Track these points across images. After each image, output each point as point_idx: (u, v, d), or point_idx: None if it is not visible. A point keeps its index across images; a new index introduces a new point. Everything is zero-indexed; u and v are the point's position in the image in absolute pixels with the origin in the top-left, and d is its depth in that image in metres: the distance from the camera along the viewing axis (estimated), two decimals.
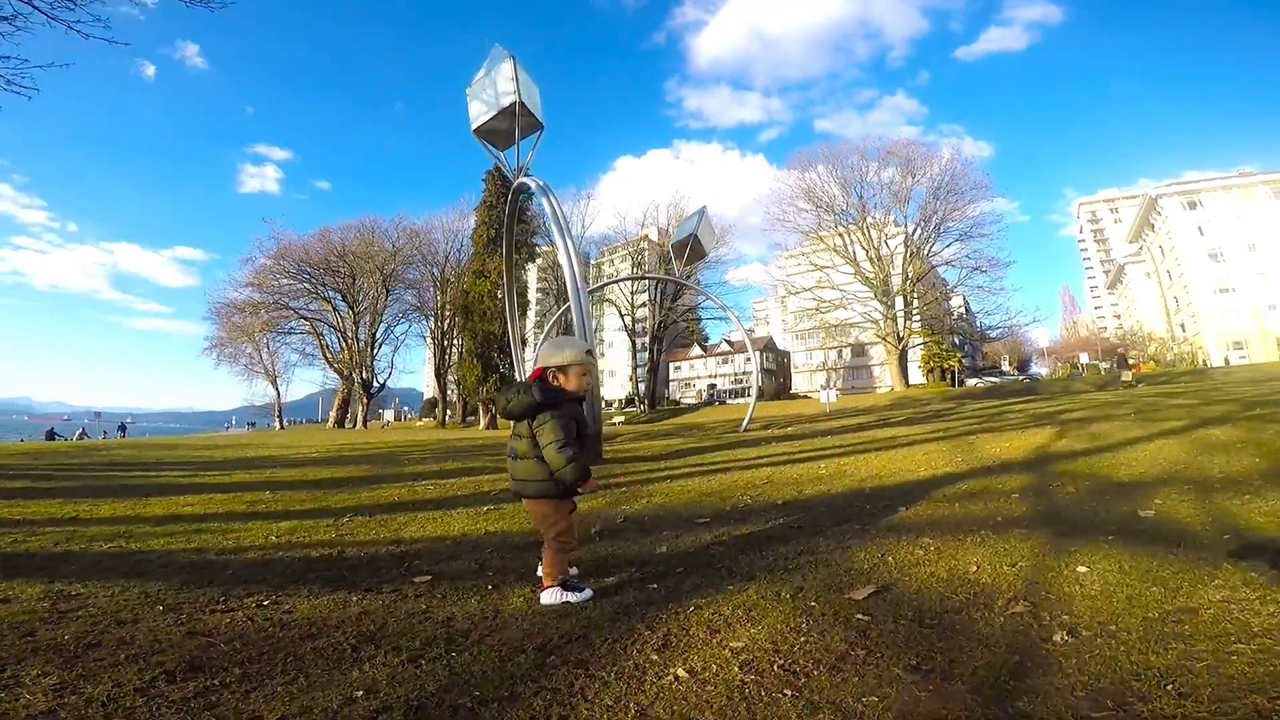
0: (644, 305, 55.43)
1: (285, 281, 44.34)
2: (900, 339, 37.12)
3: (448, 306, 46.86)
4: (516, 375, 19.10)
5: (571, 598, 2.47)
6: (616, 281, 44.49)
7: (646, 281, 51.26)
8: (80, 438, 37.82)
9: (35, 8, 7.92)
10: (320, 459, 12.09)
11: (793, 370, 70.09)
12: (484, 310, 38.87)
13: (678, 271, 18.59)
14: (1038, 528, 3.09)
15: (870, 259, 36.53)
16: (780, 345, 75.09)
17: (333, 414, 50.96)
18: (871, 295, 36.63)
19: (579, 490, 2.55)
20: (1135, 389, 18.18)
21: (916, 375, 47.38)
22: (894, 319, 37.07)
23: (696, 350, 75.26)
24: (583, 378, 2.58)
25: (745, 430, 16.61)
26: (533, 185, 10.87)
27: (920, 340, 43.11)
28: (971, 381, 47.61)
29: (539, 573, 2.66)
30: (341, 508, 5.44)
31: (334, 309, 47.02)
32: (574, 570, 2.76)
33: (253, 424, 68.91)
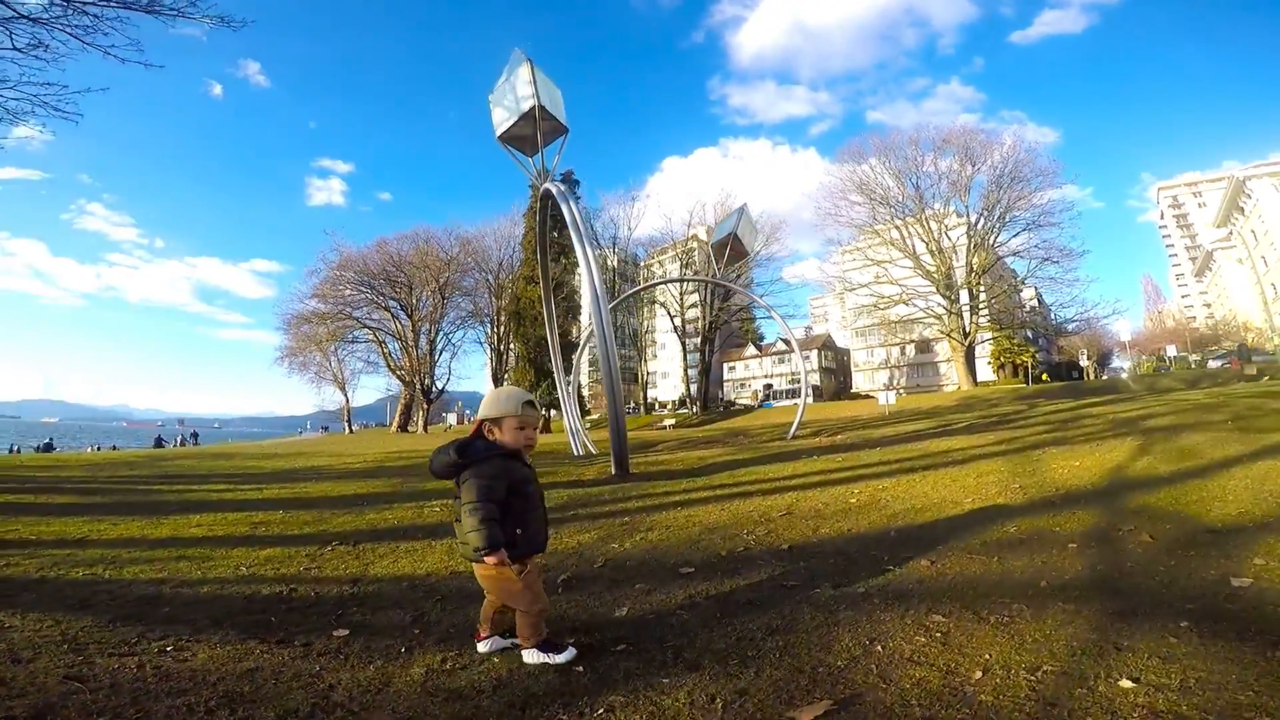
0: (694, 305, 54.65)
1: (348, 292, 46.43)
2: (966, 335, 34.76)
3: (502, 313, 47.78)
4: (558, 381, 18.99)
5: (551, 659, 2.21)
6: (653, 285, 43.96)
7: (696, 282, 50.49)
8: (158, 444, 41.01)
9: (71, 35, 8.33)
10: (359, 470, 12.25)
11: (853, 368, 67.50)
12: (535, 315, 39.31)
13: (719, 272, 17.93)
14: (1089, 601, 2.41)
15: (930, 251, 34.43)
16: (840, 343, 72.45)
17: (396, 419, 52.96)
18: (933, 289, 34.49)
19: (482, 560, 2.18)
20: (1259, 382, 16.09)
21: (985, 372, 44.42)
22: (959, 314, 34.75)
23: (751, 350, 73.75)
24: (519, 432, 2.30)
25: (792, 438, 15.83)
26: (553, 191, 10.60)
27: (989, 335, 40.30)
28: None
29: (482, 627, 2.45)
30: (336, 532, 5.27)
31: (394, 318, 48.86)
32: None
33: (326, 428, 72.61)
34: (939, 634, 2.19)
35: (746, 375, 74.41)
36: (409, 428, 51.68)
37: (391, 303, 47.94)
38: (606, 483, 8.01)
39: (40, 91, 9.06)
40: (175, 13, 8.77)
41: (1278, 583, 2.50)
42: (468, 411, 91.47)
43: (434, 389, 50.55)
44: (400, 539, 4.90)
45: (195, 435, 51.08)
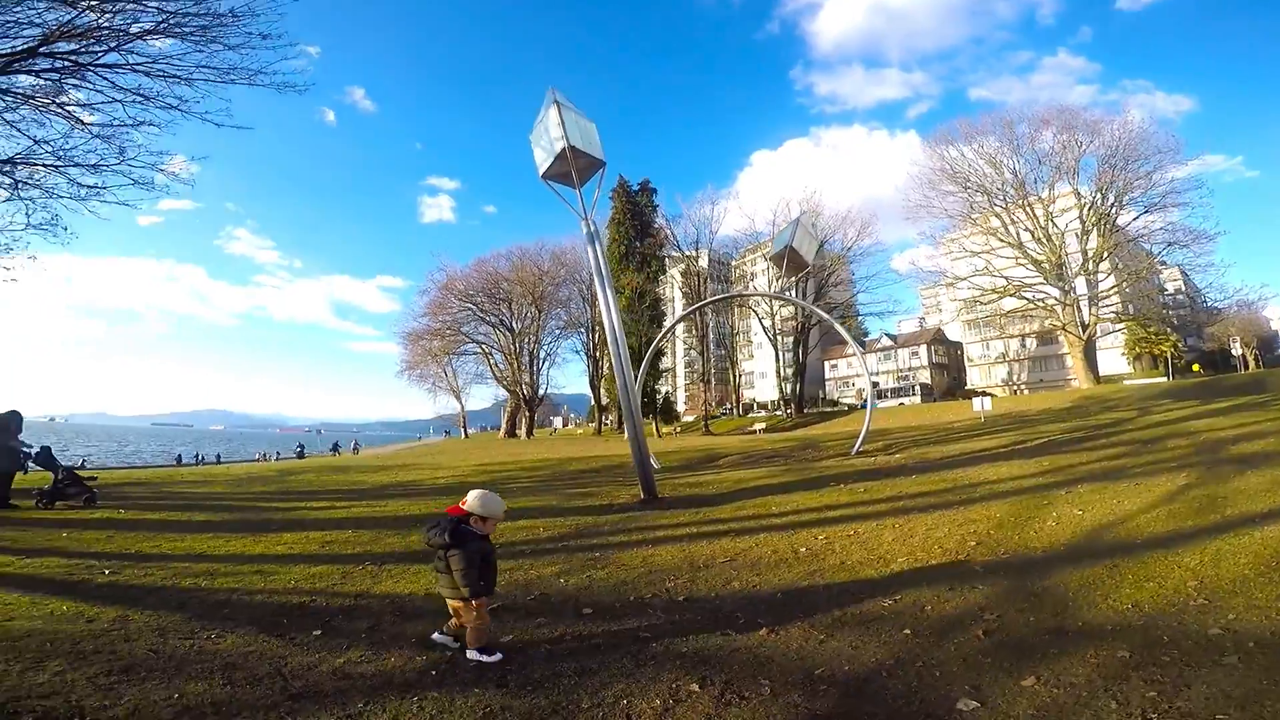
0: (786, 304, 53.44)
1: (455, 309, 50.73)
2: (1085, 327, 31.20)
3: (594, 322, 49.88)
4: (629, 395, 19.93)
5: (484, 658, 3.27)
6: (717, 300, 43.58)
7: (786, 281, 49.43)
8: (299, 454, 47.32)
9: (180, 110, 10.61)
10: (439, 487, 13.84)
11: (967, 364, 62.48)
12: (622, 325, 40.74)
13: (778, 283, 17.92)
14: (825, 696, 2.67)
15: (1037, 239, 31.26)
16: (953, 335, 67.32)
17: (504, 425, 56.99)
18: (1042, 280, 31.29)
19: (469, 601, 3.33)
20: None
21: (1119, 364, 39.41)
22: (1075, 305, 31.26)
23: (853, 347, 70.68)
24: (491, 526, 3.55)
25: (856, 453, 15.56)
26: (583, 232, 11.28)
27: (1118, 326, 35.80)
28: None
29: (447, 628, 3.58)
30: (375, 553, 6.45)
31: (496, 331, 52.62)
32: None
33: (448, 432, 79.27)
34: (670, 700, 2.72)
35: (850, 373, 71.27)
36: (516, 433, 55.36)
37: (494, 317, 51.67)
38: (627, 509, 8.70)
39: (156, 160, 11.72)
40: (246, 82, 10.92)
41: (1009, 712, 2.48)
42: (573, 415, 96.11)
43: (535, 397, 53.71)
44: (416, 562, 5.94)
45: (335, 446, 58.18)
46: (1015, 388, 53.53)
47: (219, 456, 47.71)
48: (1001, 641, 3.10)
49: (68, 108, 11.22)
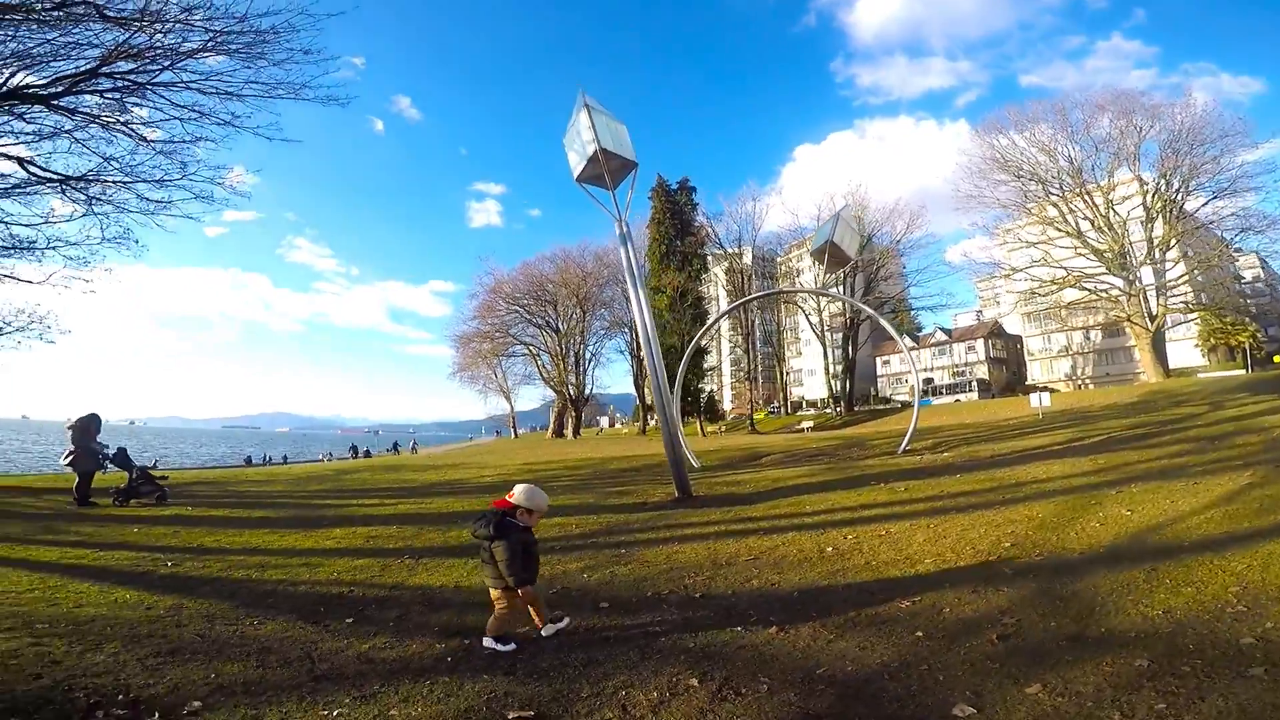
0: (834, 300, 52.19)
1: (502, 312, 51.92)
2: (1153, 318, 29.17)
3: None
4: (663, 394, 19.98)
5: (499, 647, 3.43)
6: (758, 298, 42.82)
7: (830, 276, 48.30)
8: (354, 453, 49.40)
9: (233, 125, 11.34)
10: (484, 485, 14.19)
11: (1027, 358, 59.44)
12: (663, 324, 40.67)
13: (820, 279, 17.52)
14: (818, 694, 2.64)
15: (1098, 228, 29.43)
16: (1011, 329, 64.21)
17: (551, 425, 57.95)
18: (1104, 270, 29.46)
19: (515, 590, 3.53)
20: None
21: (1191, 356, 36.63)
22: (1141, 295, 29.25)
23: (908, 341, 68.23)
24: (536, 519, 3.72)
25: (902, 451, 15.09)
26: (617, 230, 11.36)
27: (1190, 316, 33.27)
28: None
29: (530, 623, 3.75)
30: (415, 548, 6.72)
31: (543, 332, 53.57)
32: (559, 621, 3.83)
33: (499, 432, 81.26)
34: (667, 693, 2.75)
35: (903, 369, 68.82)
36: (563, 433, 56.20)
37: (540, 319, 52.63)
38: (659, 508, 8.74)
39: (214, 174, 12.55)
40: (293, 96, 11.56)
41: None
42: (619, 415, 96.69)
43: (581, 397, 54.38)
44: (452, 556, 6.19)
45: (395, 445, 60.53)
46: (1079, 383, 50.56)
47: (285, 457, 50.40)
48: (1015, 647, 2.96)
49: (132, 126, 12.14)
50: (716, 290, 58.60)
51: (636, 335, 52.10)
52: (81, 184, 12.96)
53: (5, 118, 11.67)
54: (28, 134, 12.21)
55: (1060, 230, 30.77)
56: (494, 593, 3.59)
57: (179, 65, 11.72)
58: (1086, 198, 29.91)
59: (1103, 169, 29.98)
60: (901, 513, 6.92)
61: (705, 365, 48.08)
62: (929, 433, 21.57)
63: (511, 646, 3.43)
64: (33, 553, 6.46)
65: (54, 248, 13.73)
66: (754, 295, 39.90)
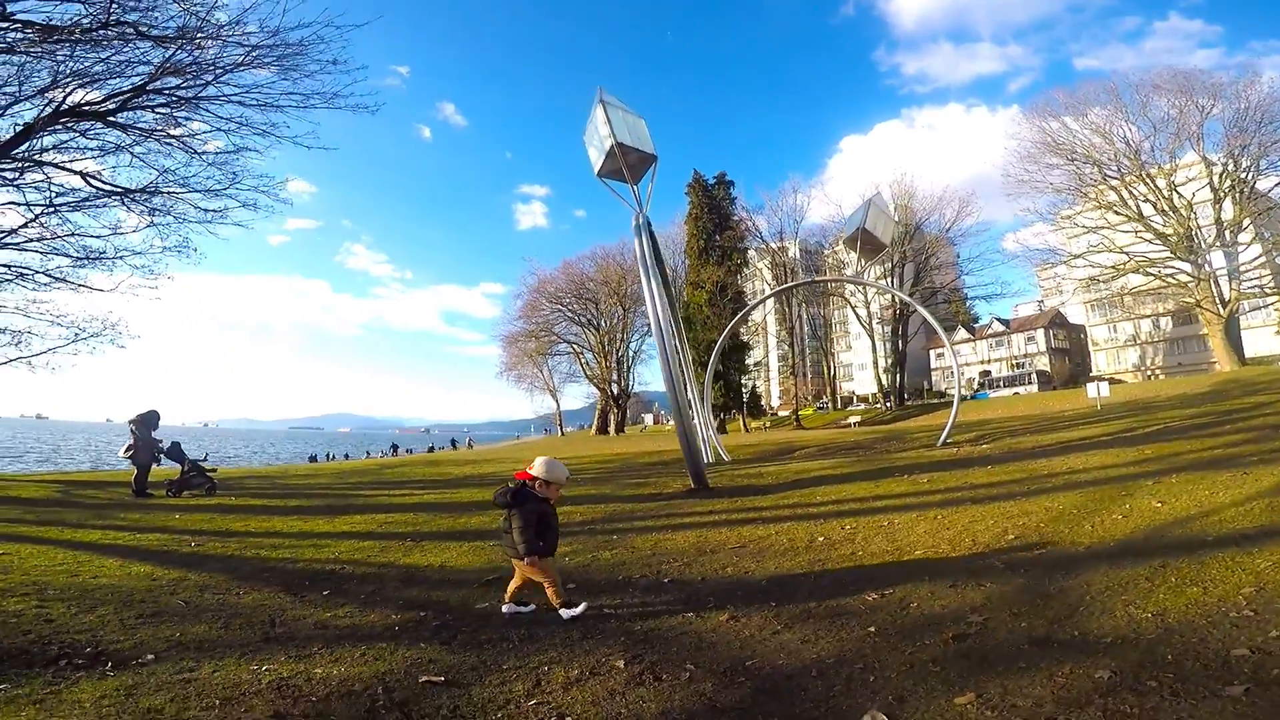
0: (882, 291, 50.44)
1: (545, 311, 52.71)
2: (1225, 304, 26.77)
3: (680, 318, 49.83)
4: (676, 387, 19.84)
5: (573, 612, 3.53)
6: (792, 287, 41.64)
7: (865, 264, 46.67)
8: (393, 451, 51.30)
9: (274, 135, 11.90)
10: (508, 476, 14.48)
11: (1091, 348, 55.78)
12: (704, 319, 40.30)
13: (858, 267, 16.93)
14: (732, 687, 2.55)
15: (1161, 211, 27.25)
16: (1075, 319, 60.41)
17: (595, 422, 58.45)
18: (1170, 254, 27.28)
19: (524, 559, 3.56)
20: None
21: (1272, 343, 33.34)
22: (1211, 280, 26.88)
23: (962, 333, 65.30)
24: (556, 491, 3.78)
25: (941, 445, 14.46)
26: (633, 222, 11.31)
27: (1268, 300, 30.33)
28: None
29: (506, 596, 3.82)
30: (419, 532, 6.93)
31: (585, 330, 54.08)
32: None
33: (547, 430, 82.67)
34: (587, 672, 2.71)
35: (959, 362, 66.13)
36: (607, 430, 56.61)
37: (582, 317, 53.15)
38: (671, 498, 8.68)
39: (258, 183, 13.19)
40: (326, 105, 12.03)
41: None
42: (663, 412, 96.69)
43: (623, 394, 54.64)
44: (452, 540, 6.34)
45: (454, 441, 62.50)
46: (1148, 373, 47.03)
47: (347, 455, 52.91)
48: (969, 649, 2.70)
49: (184, 139, 12.93)
50: (760, 285, 57.70)
51: (682, 335, 51.87)
52: (142, 196, 13.88)
53: (70, 135, 12.64)
54: (92, 150, 13.18)
55: (1121, 214, 28.61)
56: (516, 563, 3.66)
57: (222, 80, 12.41)
58: (1147, 180, 27.72)
59: (1163, 150, 27.74)
60: (913, 504, 6.62)
61: (749, 361, 47.40)
62: (975, 426, 20.60)
63: (583, 608, 3.54)
64: (77, 535, 6.98)
65: (121, 257, 14.79)
66: (784, 286, 38.97)
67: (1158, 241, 27.29)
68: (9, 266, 14.58)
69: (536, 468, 3.69)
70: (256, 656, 2.93)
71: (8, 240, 14.13)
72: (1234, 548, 3.84)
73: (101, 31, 9.82)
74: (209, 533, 7.25)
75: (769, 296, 37.09)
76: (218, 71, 12.13)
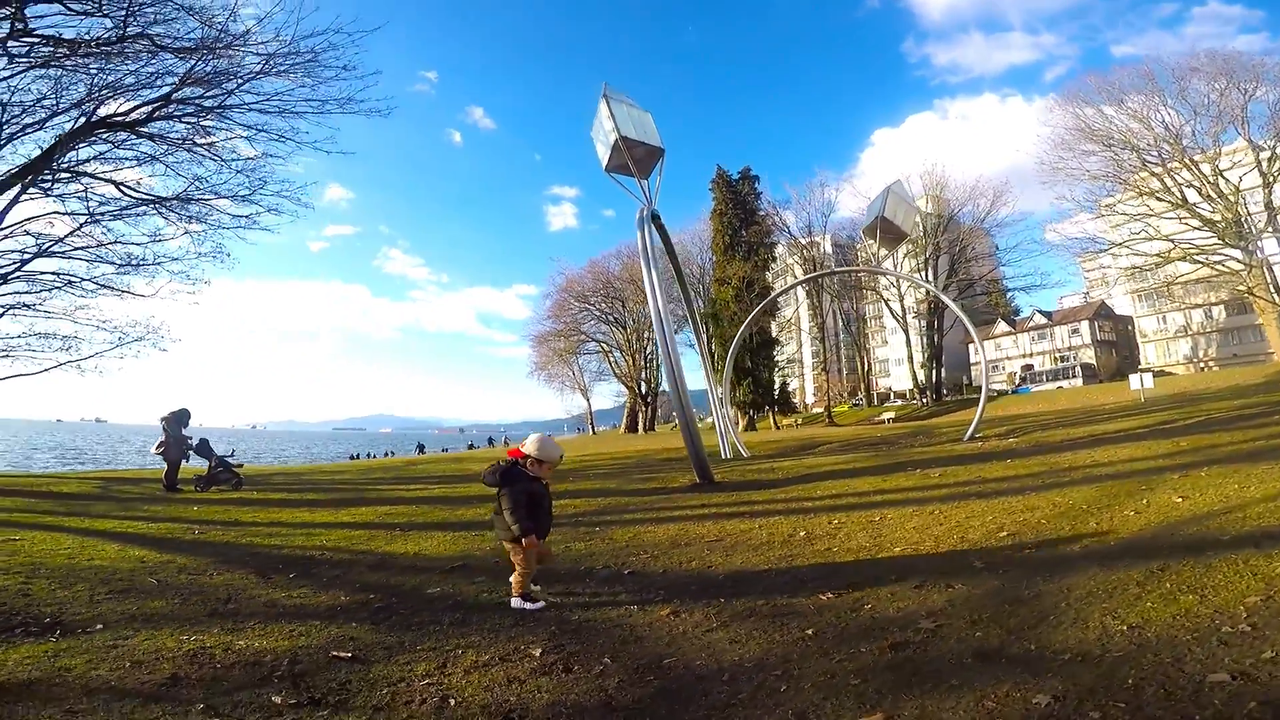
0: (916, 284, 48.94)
1: (574, 310, 52.99)
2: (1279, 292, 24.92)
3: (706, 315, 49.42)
4: (677, 381, 19.61)
5: (527, 606, 3.36)
6: (812, 278, 40.53)
7: (914, 261, 45.31)
8: (418, 450, 52.33)
9: (295, 141, 12.26)
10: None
11: (1139, 340, 52.87)
12: (731, 315, 39.84)
13: (876, 257, 16.41)
14: (638, 687, 2.42)
15: (1206, 197, 25.56)
16: (1122, 310, 57.39)
17: (624, 421, 58.51)
18: (1219, 241, 25.54)
19: (518, 540, 3.41)
20: None
21: None
22: (1264, 267, 25.03)
23: (1003, 326, 62.89)
24: (548, 472, 3.60)
25: (968, 439, 13.94)
26: (637, 215, 11.16)
27: None
28: None
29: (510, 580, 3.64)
30: (414, 523, 7.00)
31: (613, 329, 54.14)
32: (536, 587, 3.65)
33: (580, 429, 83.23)
34: (498, 658, 2.63)
35: (999, 356, 63.51)
36: (636, 428, 56.57)
37: (610, 316, 53.25)
38: (671, 492, 8.56)
39: (281, 188, 13.61)
40: (341, 110, 12.39)
41: None
42: (696, 411, 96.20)
43: (651, 392, 54.53)
44: (438, 530, 6.41)
45: (491, 439, 63.70)
46: (1201, 365, 44.24)
47: (389, 452, 54.42)
48: (905, 659, 2.47)
49: (211, 147, 13.45)
50: (790, 281, 56.80)
51: (705, 329, 51.50)
52: (175, 203, 14.49)
53: (106, 146, 13.25)
54: (128, 160, 13.78)
55: (1164, 200, 26.92)
56: (507, 547, 3.51)
57: (243, 89, 12.84)
58: (1190, 165, 26.01)
59: (1205, 134, 25.95)
60: (914, 499, 6.34)
61: (779, 356, 46.68)
62: (1009, 421, 19.83)
63: (540, 605, 3.36)
64: (96, 524, 7.29)
65: (159, 263, 15.46)
66: (806, 277, 38.14)
67: (1205, 228, 25.55)
68: (57, 274, 15.44)
69: (528, 445, 3.54)
70: (194, 629, 3.00)
71: (53, 249, 14.96)
72: (1251, 549, 3.32)
73: (120, 45, 10.24)
74: (217, 522, 7.44)
75: (790, 288, 36.52)
76: (238, 81, 12.56)
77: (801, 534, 5.01)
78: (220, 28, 11.40)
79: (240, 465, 12.88)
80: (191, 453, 11.97)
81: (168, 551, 5.38)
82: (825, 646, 2.67)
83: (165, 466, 11.49)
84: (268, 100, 13.05)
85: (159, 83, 11.99)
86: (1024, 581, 3.33)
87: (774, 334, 45.74)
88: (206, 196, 14.46)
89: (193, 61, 11.42)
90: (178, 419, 11.90)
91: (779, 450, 16.68)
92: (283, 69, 12.17)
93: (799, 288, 52.89)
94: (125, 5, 10.24)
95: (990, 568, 3.66)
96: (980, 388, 52.60)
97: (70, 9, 10.33)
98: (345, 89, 13.10)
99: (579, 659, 2.60)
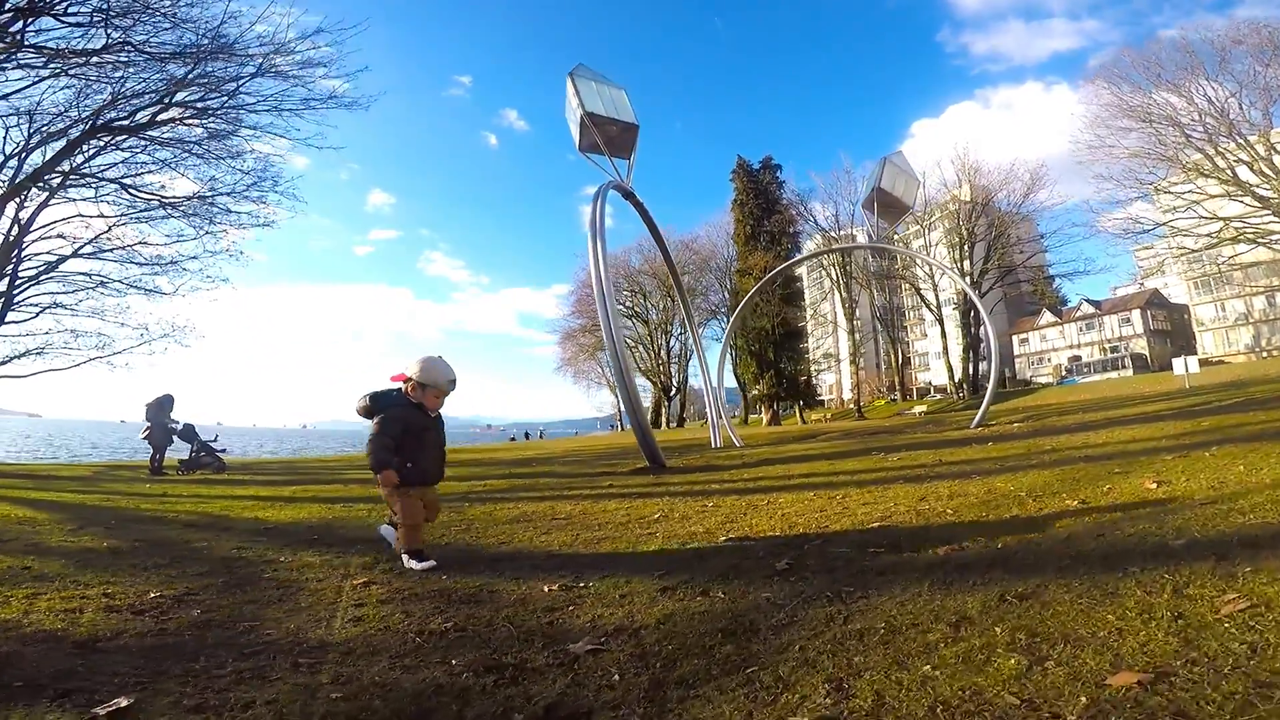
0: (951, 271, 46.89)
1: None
2: None
3: (732, 308, 48.53)
4: (627, 366, 19.05)
5: (415, 565, 2.88)
6: (815, 255, 39.05)
7: (946, 248, 43.41)
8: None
9: (288, 139, 12.46)
10: (518, 458, 14.19)
11: (1196, 329, 49.26)
12: (754, 307, 38.92)
13: (875, 233, 15.55)
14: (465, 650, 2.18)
15: (1260, 173, 23.36)
16: (1176, 299, 53.63)
17: (648, 416, 58.18)
18: (1276, 219, 23.26)
19: (380, 477, 2.93)
20: None
21: None
22: None
23: (1048, 317, 59.67)
24: (434, 399, 3.03)
25: (975, 426, 13.12)
26: (598, 188, 10.69)
27: None
28: None
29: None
30: (340, 497, 6.83)
31: (635, 323, 53.75)
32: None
33: (614, 426, 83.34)
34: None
35: (1044, 347, 60.28)
36: (659, 424, 56.08)
37: (631, 310, 52.91)
38: (616, 475, 8.28)
39: (288, 187, 13.97)
40: (324, 106, 12.59)
41: None
42: (730, 406, 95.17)
43: (674, 387, 54.03)
44: (340, 502, 6.19)
45: (527, 434, 64.37)
46: (1264, 353, 40.83)
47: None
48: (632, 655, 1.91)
49: (211, 147, 13.80)
50: (818, 275, 55.38)
51: (690, 316, 50.59)
52: (185, 204, 14.92)
53: (116, 152, 13.69)
54: (140, 164, 14.22)
55: (1209, 176, 24.72)
56: (383, 492, 2.98)
57: (241, 91, 13.07)
58: (1240, 139, 23.79)
59: (1254, 107, 23.58)
60: (863, 480, 5.88)
61: (803, 349, 45.52)
62: (1033, 409, 18.65)
63: (430, 563, 2.87)
64: (58, 498, 7.33)
65: (177, 262, 15.99)
66: (813, 253, 36.86)
67: (1260, 207, 23.31)
68: (88, 275, 16.12)
69: (410, 366, 2.99)
70: (93, 583, 2.96)
71: (81, 250, 15.61)
72: (1210, 559, 2.09)
73: (105, 54, 10.51)
74: (176, 499, 7.28)
75: (791, 265, 35.26)
76: (236, 83, 12.81)
77: (657, 515, 4.59)
78: (208, 33, 11.63)
79: (224, 451, 13.10)
80: (175, 437, 12.24)
81: (64, 516, 5.38)
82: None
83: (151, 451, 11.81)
84: (262, 101, 13.30)
85: (156, 88, 12.31)
86: (805, 592, 2.35)
87: (800, 326, 44.53)
88: (209, 195, 14.86)
89: (190, 66, 11.72)
90: (161, 405, 12.15)
91: (772, 439, 16.14)
92: (275, 71, 12.54)
93: (829, 279, 51.40)
94: (131, 18, 10.46)
95: (796, 569, 2.73)
96: (1025, 381, 50.01)
97: (64, 21, 10.62)
98: (330, 87, 13.31)
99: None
